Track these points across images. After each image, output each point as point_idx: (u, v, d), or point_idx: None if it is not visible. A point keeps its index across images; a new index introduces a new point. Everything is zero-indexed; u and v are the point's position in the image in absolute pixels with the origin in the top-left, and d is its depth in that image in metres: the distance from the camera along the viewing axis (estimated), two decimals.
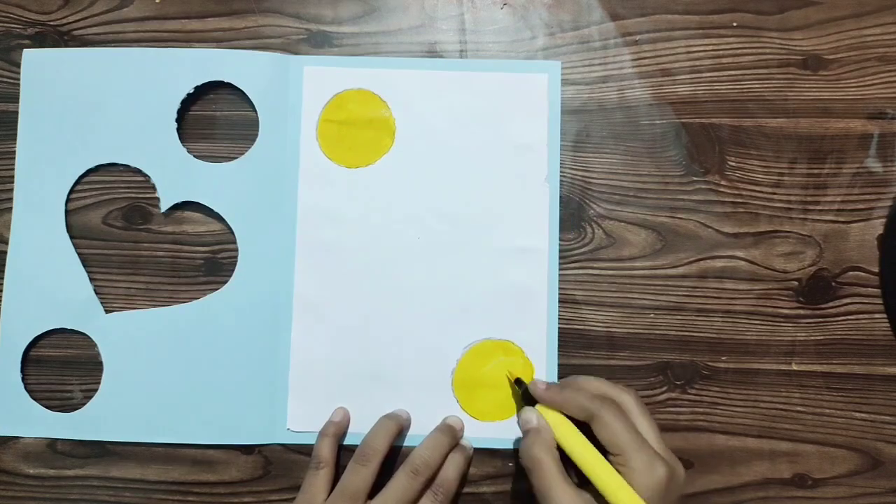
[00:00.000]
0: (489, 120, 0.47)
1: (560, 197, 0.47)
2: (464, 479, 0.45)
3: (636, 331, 0.46)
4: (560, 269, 0.47)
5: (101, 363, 0.46)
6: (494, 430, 0.45)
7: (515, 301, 0.46)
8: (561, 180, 0.47)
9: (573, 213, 0.47)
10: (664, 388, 0.46)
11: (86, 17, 0.48)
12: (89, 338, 0.46)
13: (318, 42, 0.48)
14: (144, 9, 0.48)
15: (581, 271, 0.47)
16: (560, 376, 0.46)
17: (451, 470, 0.43)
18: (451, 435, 0.44)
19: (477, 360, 0.46)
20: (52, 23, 0.48)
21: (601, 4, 0.48)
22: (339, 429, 0.44)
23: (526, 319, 0.46)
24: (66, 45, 0.47)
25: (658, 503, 0.37)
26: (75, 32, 0.48)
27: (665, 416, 0.46)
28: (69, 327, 0.46)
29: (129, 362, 0.46)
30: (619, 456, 0.38)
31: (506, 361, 0.46)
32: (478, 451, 0.46)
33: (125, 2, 0.48)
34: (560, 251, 0.47)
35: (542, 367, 0.46)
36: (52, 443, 0.46)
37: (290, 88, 0.47)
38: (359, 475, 0.41)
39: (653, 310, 0.47)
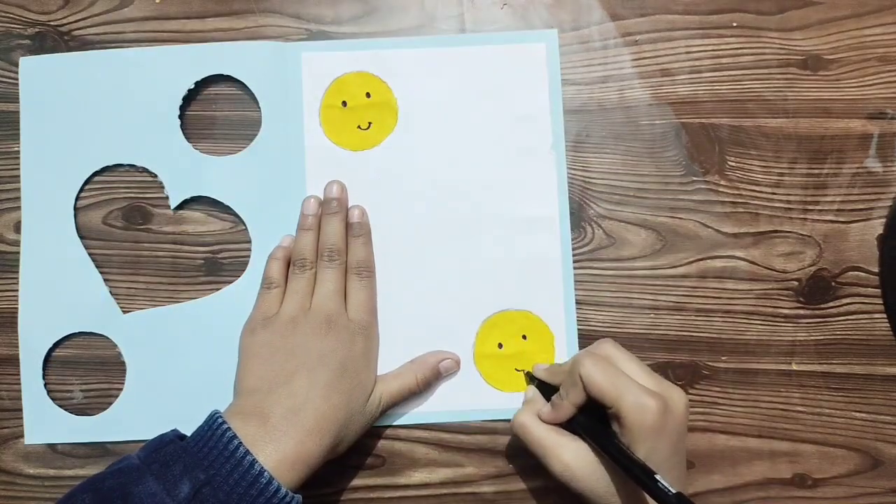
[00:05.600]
0: (490, 93, 0.47)
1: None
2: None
3: (636, 331, 0.46)
4: None
5: (122, 364, 0.46)
6: (520, 400, 0.45)
7: (530, 270, 0.46)
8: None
9: (573, 213, 0.47)
10: None
11: (86, 18, 0.48)
12: (109, 340, 0.46)
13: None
14: (144, 9, 0.48)
15: (581, 271, 0.47)
16: (580, 342, 0.46)
17: (357, 248, 0.45)
18: (340, 209, 0.45)
19: (496, 332, 0.46)
20: (52, 23, 0.48)
21: (601, 4, 0.48)
22: (287, 252, 0.45)
23: (542, 287, 0.46)
24: (67, 46, 0.47)
25: (655, 439, 0.37)
26: (75, 33, 0.48)
27: None
28: (88, 330, 0.46)
29: (152, 361, 0.46)
30: (611, 408, 0.38)
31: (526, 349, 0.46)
32: (480, 450, 0.46)
33: (125, 2, 0.48)
34: None
35: (562, 333, 0.46)
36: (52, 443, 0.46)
37: (289, 76, 0.47)
38: (303, 278, 0.44)
39: (653, 310, 0.47)
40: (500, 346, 0.46)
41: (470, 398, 0.46)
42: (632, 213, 0.47)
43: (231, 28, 0.48)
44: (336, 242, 0.45)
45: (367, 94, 0.47)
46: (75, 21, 0.48)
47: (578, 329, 0.46)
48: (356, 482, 0.46)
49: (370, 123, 0.47)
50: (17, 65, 0.47)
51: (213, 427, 0.38)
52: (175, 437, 0.39)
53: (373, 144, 0.47)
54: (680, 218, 0.47)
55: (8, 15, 0.48)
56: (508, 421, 0.45)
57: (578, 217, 0.47)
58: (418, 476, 0.46)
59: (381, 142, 0.47)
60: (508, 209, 0.46)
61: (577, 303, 0.46)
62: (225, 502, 0.36)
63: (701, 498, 0.46)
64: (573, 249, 0.47)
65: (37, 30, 0.48)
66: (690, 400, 0.46)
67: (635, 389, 0.37)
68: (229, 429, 0.37)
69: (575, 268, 0.47)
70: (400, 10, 0.48)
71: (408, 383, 0.44)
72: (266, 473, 0.36)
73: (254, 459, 0.36)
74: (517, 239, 0.46)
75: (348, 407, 0.41)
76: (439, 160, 0.47)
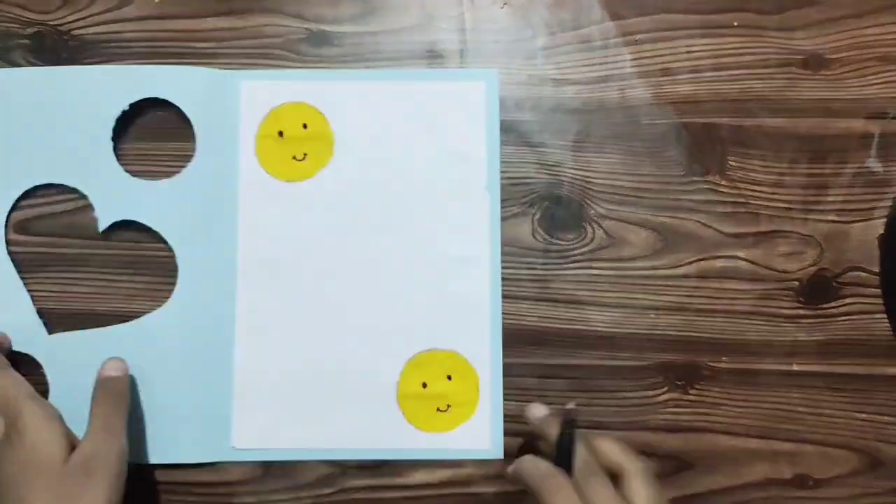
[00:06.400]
0: (427, 130, 0.47)
1: (560, 196, 0.47)
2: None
3: (637, 331, 0.46)
4: (560, 269, 0.47)
5: (45, 384, 0.45)
6: (441, 441, 0.45)
7: (458, 310, 0.46)
8: (561, 180, 0.47)
9: (573, 213, 0.47)
10: (665, 389, 0.46)
11: (85, 17, 0.48)
12: (34, 359, 0.45)
13: (318, 42, 0.48)
14: (144, 8, 0.48)
15: (581, 271, 0.47)
16: (583, 342, 0.46)
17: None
18: None
19: (421, 371, 0.46)
20: (51, 22, 0.48)
21: (601, 4, 0.48)
22: None
23: (469, 328, 0.46)
24: (66, 45, 0.47)
25: None
26: (74, 32, 0.48)
27: (666, 417, 0.46)
28: (14, 349, 0.45)
29: (75, 384, 0.44)
30: None
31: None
32: None
33: (125, 1, 0.48)
34: (560, 251, 0.47)
35: (487, 375, 0.45)
36: None
37: (227, 103, 0.47)
38: None
39: (653, 310, 0.46)
40: (425, 385, 0.46)
41: (391, 437, 0.45)
42: (632, 213, 0.47)
43: (231, 27, 0.48)
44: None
45: (304, 126, 0.47)
46: (75, 21, 0.48)
47: (580, 330, 0.46)
48: (356, 482, 0.45)
49: (305, 154, 0.47)
50: (17, 65, 0.47)
51: None
52: None
53: (307, 176, 0.46)
54: (680, 218, 0.47)
55: (7, 15, 0.48)
56: (428, 461, 0.45)
57: (578, 217, 0.47)
58: (418, 476, 0.46)
59: (316, 173, 0.47)
60: (439, 247, 0.46)
61: (578, 302, 0.46)
62: None
63: (702, 498, 0.46)
64: (573, 249, 0.47)
65: (36, 29, 0.48)
66: (691, 401, 0.46)
67: None
68: None
69: (575, 268, 0.47)
70: (400, 9, 0.48)
71: None
72: None
73: None
74: (447, 278, 0.46)
75: None
76: (373, 195, 0.46)
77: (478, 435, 0.45)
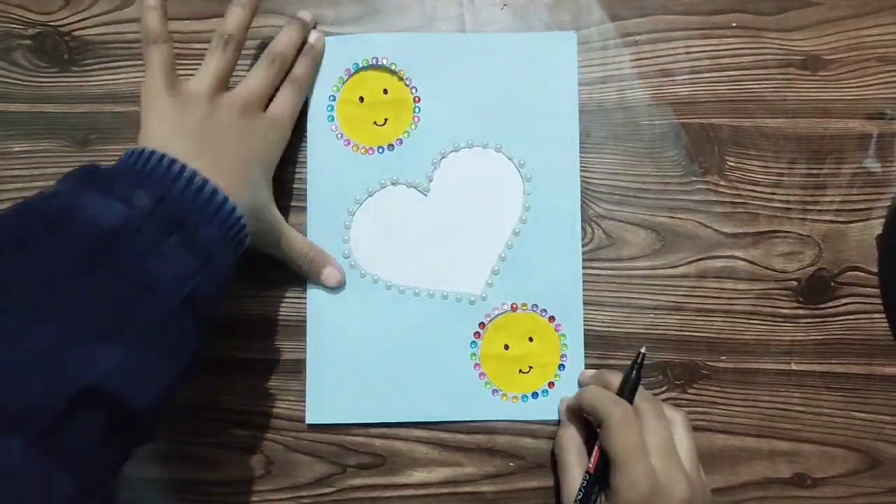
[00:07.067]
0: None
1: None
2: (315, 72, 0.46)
3: (636, 331, 0.46)
4: None
5: None
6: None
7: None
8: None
9: None
10: (664, 388, 0.46)
11: (86, 18, 0.48)
12: None
13: None
14: None
15: (581, 271, 0.47)
16: (586, 341, 0.46)
17: (305, 63, 0.45)
18: (302, 29, 0.45)
19: (503, 333, 0.46)
20: (52, 23, 0.48)
21: (601, 5, 0.48)
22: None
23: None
24: (67, 46, 0.47)
25: None
26: (76, 33, 0.48)
27: None
28: None
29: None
30: (614, 467, 0.37)
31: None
32: (479, 449, 0.46)
33: (126, 2, 0.48)
34: None
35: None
36: None
37: None
38: (223, 56, 0.41)
39: (652, 310, 0.47)
40: (507, 347, 0.46)
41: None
42: (631, 213, 0.47)
43: None
44: (285, 50, 0.44)
45: (385, 91, 0.47)
46: (76, 21, 0.48)
47: None
48: (356, 482, 0.46)
49: (386, 120, 0.47)
50: (17, 65, 0.47)
51: (142, 155, 0.34)
52: (98, 166, 0.34)
53: (388, 141, 0.47)
54: (679, 218, 0.47)
55: (8, 15, 0.48)
56: (510, 422, 0.45)
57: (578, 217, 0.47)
58: (418, 475, 0.46)
59: (397, 138, 0.47)
60: (523, 209, 0.46)
61: None
62: (181, 220, 0.33)
63: None
64: None
65: (37, 30, 0.48)
66: (690, 400, 0.46)
67: (640, 465, 0.37)
68: (164, 155, 0.34)
69: None
70: (400, 10, 0.48)
71: (302, 250, 0.44)
72: (220, 192, 0.35)
73: (205, 179, 0.34)
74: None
75: (253, 188, 0.39)
76: (455, 158, 0.47)
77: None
